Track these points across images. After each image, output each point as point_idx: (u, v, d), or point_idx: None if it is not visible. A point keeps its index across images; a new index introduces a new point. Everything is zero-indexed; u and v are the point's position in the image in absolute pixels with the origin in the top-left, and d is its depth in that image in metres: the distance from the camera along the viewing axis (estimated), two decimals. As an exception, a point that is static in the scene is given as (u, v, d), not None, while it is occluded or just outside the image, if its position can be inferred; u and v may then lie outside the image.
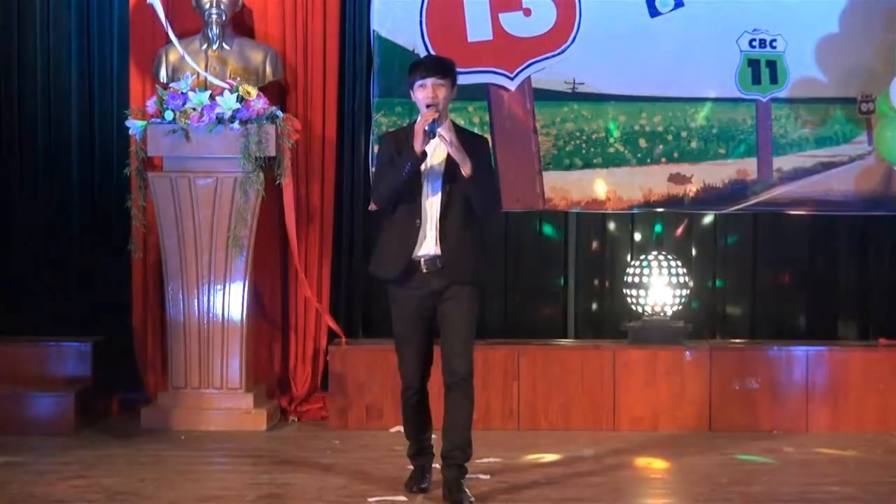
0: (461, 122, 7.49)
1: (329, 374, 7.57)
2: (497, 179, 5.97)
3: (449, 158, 5.71)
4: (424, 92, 5.73)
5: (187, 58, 7.42)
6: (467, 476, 5.85)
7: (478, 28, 7.72)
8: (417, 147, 5.64)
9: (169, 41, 7.66)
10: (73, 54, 8.06)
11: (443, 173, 5.74)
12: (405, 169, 5.66)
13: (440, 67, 5.80)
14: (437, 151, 5.74)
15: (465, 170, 5.65)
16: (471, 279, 5.80)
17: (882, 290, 8.02)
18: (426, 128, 5.63)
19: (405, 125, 6.53)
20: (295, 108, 7.77)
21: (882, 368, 7.49)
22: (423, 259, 5.74)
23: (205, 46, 7.57)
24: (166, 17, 7.59)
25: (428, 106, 5.69)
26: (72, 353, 7.70)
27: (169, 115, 7.34)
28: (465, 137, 5.81)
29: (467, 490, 5.81)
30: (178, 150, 7.39)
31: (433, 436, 6.06)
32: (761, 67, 7.67)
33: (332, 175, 7.87)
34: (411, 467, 6.10)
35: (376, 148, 7.64)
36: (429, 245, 5.74)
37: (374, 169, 5.83)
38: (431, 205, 5.74)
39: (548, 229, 8.15)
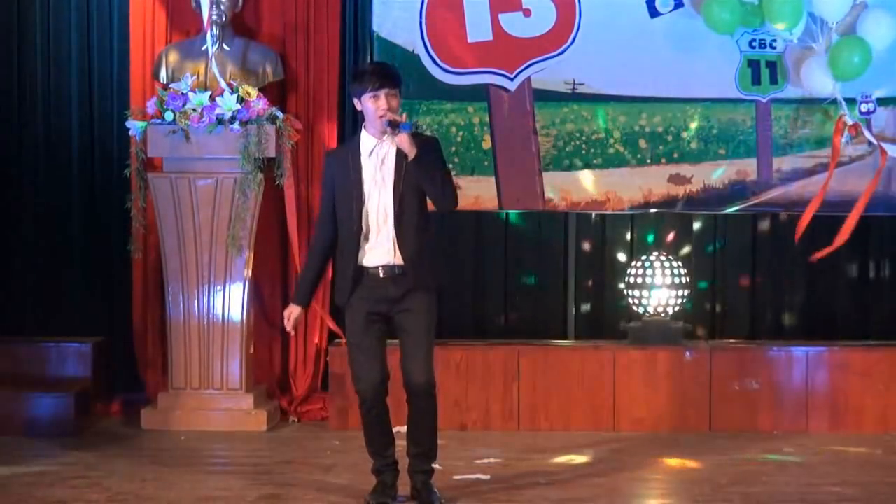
0: (461, 123, 7.58)
1: (329, 375, 7.57)
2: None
3: (397, 165, 5.55)
4: (377, 103, 5.50)
5: (211, 51, 7.39)
6: (467, 476, 5.84)
7: (478, 28, 7.70)
8: (410, 152, 5.47)
9: (169, 42, 7.70)
10: (73, 54, 8.06)
11: (393, 180, 5.55)
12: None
13: (393, 77, 5.57)
14: (387, 158, 5.58)
15: (411, 155, 5.48)
16: (429, 286, 5.63)
17: (882, 290, 8.03)
18: (389, 124, 5.45)
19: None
20: (295, 109, 7.77)
21: (882, 368, 7.49)
22: (381, 268, 5.56)
23: (205, 47, 7.57)
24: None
25: (381, 118, 5.49)
26: (72, 353, 7.70)
27: (169, 115, 7.34)
28: (419, 141, 5.58)
29: (437, 490, 5.73)
30: (178, 151, 7.40)
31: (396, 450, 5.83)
32: (761, 68, 7.66)
33: (332, 175, 7.86)
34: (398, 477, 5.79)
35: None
36: (386, 254, 5.56)
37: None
38: (384, 212, 5.56)
39: (548, 229, 8.15)
